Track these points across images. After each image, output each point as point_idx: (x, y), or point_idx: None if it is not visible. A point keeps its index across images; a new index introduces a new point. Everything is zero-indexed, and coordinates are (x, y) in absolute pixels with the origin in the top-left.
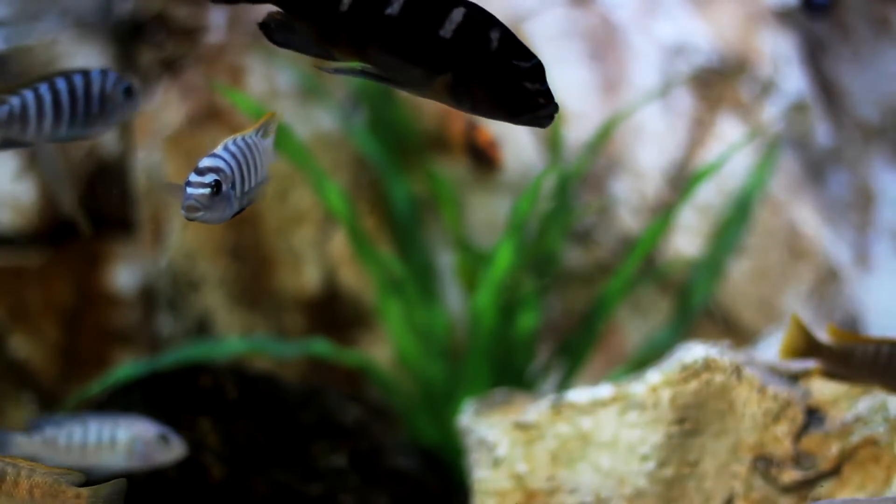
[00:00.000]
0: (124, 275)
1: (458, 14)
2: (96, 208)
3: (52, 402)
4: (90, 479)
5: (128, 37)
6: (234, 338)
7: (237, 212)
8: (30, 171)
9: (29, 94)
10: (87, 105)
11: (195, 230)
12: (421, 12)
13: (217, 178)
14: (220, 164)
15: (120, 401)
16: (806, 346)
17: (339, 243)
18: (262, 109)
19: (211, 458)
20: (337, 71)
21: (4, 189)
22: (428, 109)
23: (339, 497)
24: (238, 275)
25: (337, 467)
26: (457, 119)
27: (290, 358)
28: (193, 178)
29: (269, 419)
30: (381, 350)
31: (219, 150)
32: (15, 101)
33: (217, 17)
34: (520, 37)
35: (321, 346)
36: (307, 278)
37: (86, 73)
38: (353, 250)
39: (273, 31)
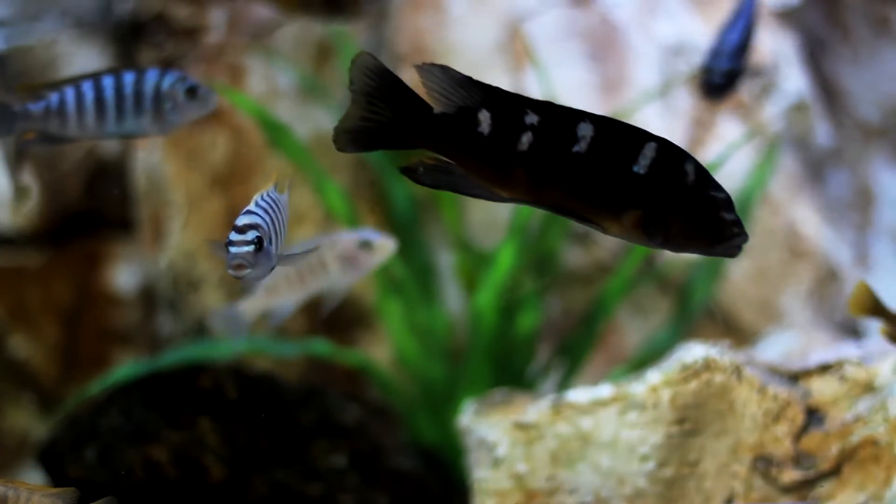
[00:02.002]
0: (124, 275)
1: (650, 149)
2: (96, 208)
3: (52, 402)
4: None
5: (128, 37)
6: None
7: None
8: (30, 172)
9: (69, 91)
10: (138, 103)
11: (195, 230)
12: (611, 149)
13: (258, 234)
14: (258, 220)
15: (120, 401)
16: (872, 306)
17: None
18: (261, 110)
19: (211, 458)
20: (509, 201)
21: (4, 189)
22: None
23: (339, 497)
24: None
25: (337, 467)
26: None
27: (290, 358)
28: (235, 236)
29: (269, 419)
30: (381, 350)
31: (252, 206)
32: (54, 97)
33: (217, 17)
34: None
35: (321, 346)
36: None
37: (140, 72)
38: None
39: (422, 175)
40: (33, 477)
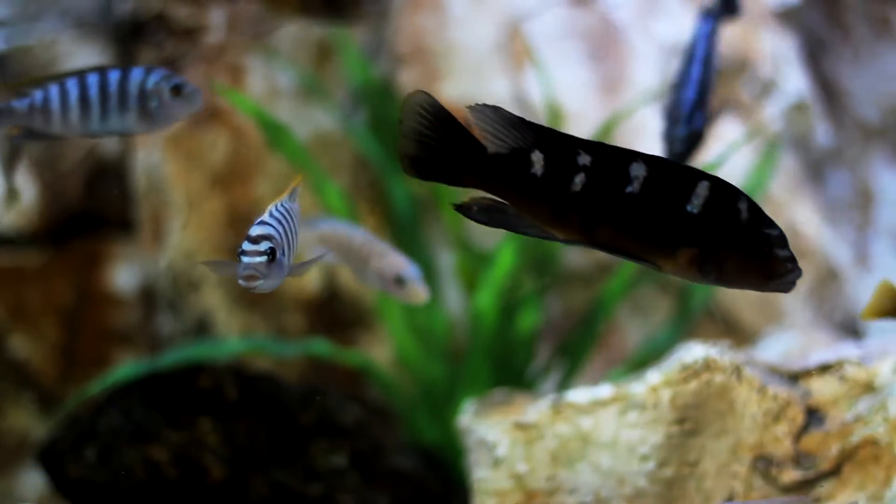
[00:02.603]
0: (124, 275)
1: (703, 188)
2: (96, 208)
3: (52, 402)
4: None
5: (128, 37)
6: (234, 338)
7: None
8: (30, 172)
9: (53, 88)
10: (122, 101)
11: (195, 230)
12: (664, 189)
13: (271, 245)
14: (271, 231)
15: (120, 401)
16: (893, 306)
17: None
18: (260, 110)
19: (211, 458)
20: (563, 241)
21: (4, 189)
22: None
23: (339, 497)
24: None
25: (337, 467)
26: None
27: (290, 358)
28: (248, 246)
29: (268, 419)
30: (381, 350)
31: (265, 217)
32: (38, 94)
33: (217, 17)
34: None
35: (321, 346)
36: (307, 278)
37: (125, 70)
38: None
39: (476, 214)
40: (33, 477)
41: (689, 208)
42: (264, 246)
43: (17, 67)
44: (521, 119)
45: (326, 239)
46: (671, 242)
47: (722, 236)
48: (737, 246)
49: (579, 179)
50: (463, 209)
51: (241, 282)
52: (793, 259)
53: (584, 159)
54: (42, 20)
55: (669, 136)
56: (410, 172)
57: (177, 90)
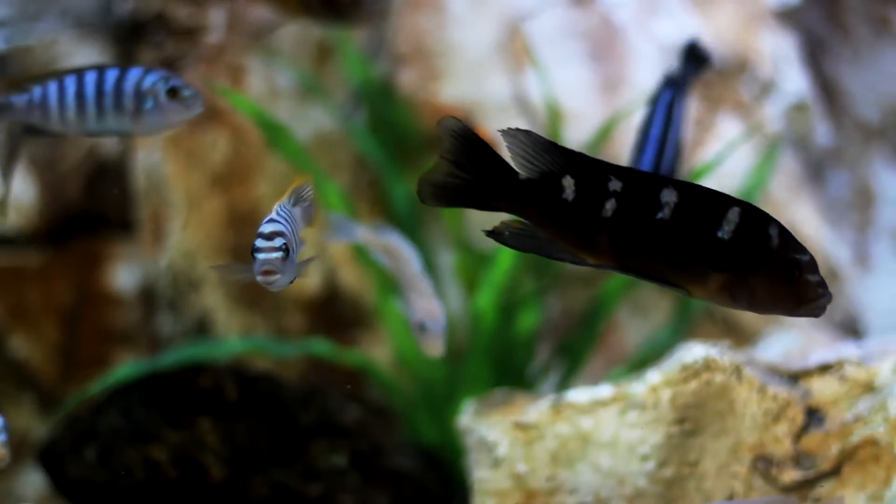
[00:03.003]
0: (124, 275)
1: (734, 214)
2: (96, 208)
3: (52, 402)
4: None
5: (128, 37)
6: (234, 338)
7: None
8: (30, 172)
9: (52, 85)
10: (118, 101)
11: (195, 230)
12: (695, 215)
13: (285, 241)
14: (282, 228)
15: (120, 401)
16: None
17: (339, 243)
18: (260, 111)
19: (211, 458)
20: (595, 266)
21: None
22: (427, 109)
23: (339, 497)
24: None
25: (337, 467)
26: None
27: (290, 358)
28: (263, 243)
29: (268, 419)
30: (381, 350)
31: (274, 215)
32: (37, 90)
33: (217, 17)
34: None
35: (321, 346)
36: (307, 278)
37: (123, 69)
38: (353, 250)
39: (507, 238)
40: (33, 477)
41: (719, 234)
42: (278, 242)
43: (18, 67)
44: (553, 143)
45: (389, 251)
46: (702, 268)
47: (753, 262)
48: (768, 271)
49: (610, 205)
50: (494, 234)
51: (259, 278)
52: (823, 284)
53: (615, 185)
54: (42, 20)
55: None
56: (436, 200)
57: (173, 92)
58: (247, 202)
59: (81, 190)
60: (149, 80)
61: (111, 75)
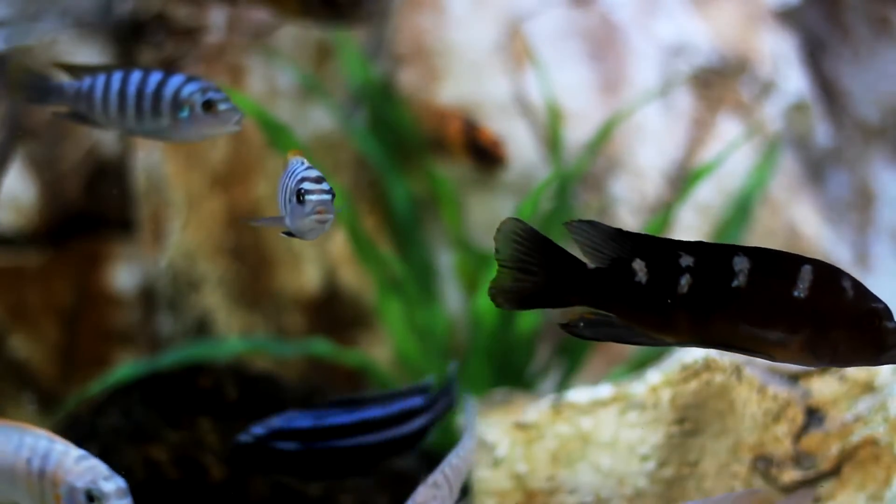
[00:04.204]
0: (124, 275)
1: (807, 272)
2: (96, 208)
3: (52, 402)
4: None
5: (128, 37)
6: (234, 338)
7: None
8: (30, 172)
9: (101, 78)
10: (156, 105)
11: (195, 230)
12: (769, 278)
13: (329, 185)
14: (321, 173)
15: (120, 401)
16: None
17: (339, 243)
18: (261, 110)
19: (211, 458)
20: (675, 344)
21: (4, 189)
22: (427, 110)
23: (339, 497)
24: (238, 275)
25: None
26: (453, 120)
27: (290, 358)
28: (312, 185)
29: None
30: (381, 350)
31: (307, 164)
32: (87, 80)
33: (217, 17)
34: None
35: (321, 346)
36: (307, 278)
37: (167, 74)
38: (353, 250)
39: (583, 330)
40: None
41: (796, 294)
42: (326, 185)
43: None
44: (618, 230)
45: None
46: (783, 330)
47: (832, 317)
48: (847, 325)
49: (685, 281)
50: (569, 328)
51: (311, 218)
52: None
53: (687, 260)
54: (42, 20)
55: None
56: (512, 305)
57: (209, 105)
58: (247, 202)
59: (81, 190)
60: (187, 90)
61: (154, 79)
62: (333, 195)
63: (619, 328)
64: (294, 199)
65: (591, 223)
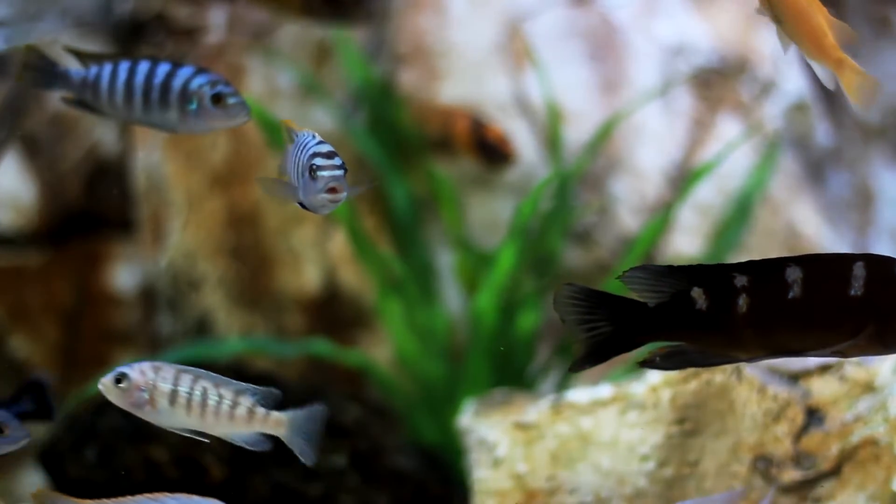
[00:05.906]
0: (124, 275)
1: (859, 268)
2: (96, 208)
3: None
4: None
5: (128, 37)
6: (234, 338)
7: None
8: (30, 172)
9: (108, 67)
10: (164, 96)
11: (195, 230)
12: (824, 283)
13: (341, 160)
14: (333, 147)
15: None
16: None
17: (339, 243)
18: (261, 110)
19: (211, 458)
20: (748, 360)
21: (4, 189)
22: (432, 109)
23: (339, 497)
24: (238, 275)
25: (337, 467)
26: (461, 118)
27: (290, 358)
28: (324, 161)
29: None
30: (381, 350)
31: (318, 137)
32: (94, 69)
33: (217, 17)
34: None
35: (321, 346)
36: (307, 278)
37: (175, 65)
38: (353, 250)
39: (660, 364)
40: (33, 477)
41: (853, 292)
42: (339, 161)
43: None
44: (669, 266)
45: None
46: (848, 329)
47: (892, 306)
48: None
49: (742, 300)
50: (649, 364)
51: (322, 196)
52: None
53: (741, 280)
54: (42, 20)
55: None
56: (591, 363)
57: (218, 98)
58: (247, 202)
59: (81, 190)
60: (196, 82)
61: (162, 69)
62: (346, 170)
63: (692, 354)
64: (307, 173)
65: (640, 268)
